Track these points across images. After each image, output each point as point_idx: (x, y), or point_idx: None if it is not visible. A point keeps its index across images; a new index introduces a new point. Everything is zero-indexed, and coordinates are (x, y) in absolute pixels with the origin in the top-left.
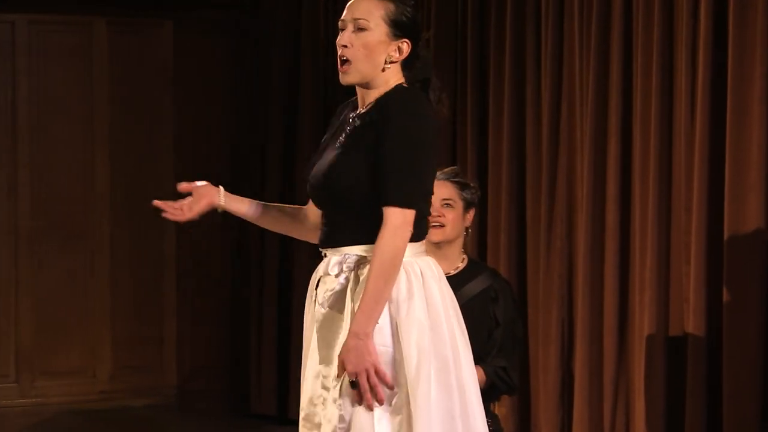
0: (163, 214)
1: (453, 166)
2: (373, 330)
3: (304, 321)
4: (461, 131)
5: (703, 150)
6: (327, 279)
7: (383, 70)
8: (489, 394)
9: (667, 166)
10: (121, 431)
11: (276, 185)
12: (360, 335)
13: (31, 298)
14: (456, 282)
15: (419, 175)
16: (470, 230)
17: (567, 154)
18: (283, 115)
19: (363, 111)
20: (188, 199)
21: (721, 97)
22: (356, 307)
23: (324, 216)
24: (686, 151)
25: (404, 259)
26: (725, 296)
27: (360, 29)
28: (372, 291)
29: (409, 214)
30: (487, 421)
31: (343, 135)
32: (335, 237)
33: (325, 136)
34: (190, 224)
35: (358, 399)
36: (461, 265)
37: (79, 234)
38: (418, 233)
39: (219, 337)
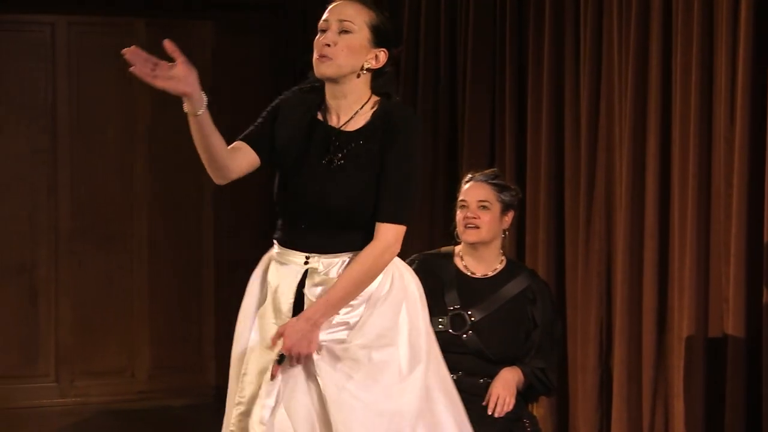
0: (131, 69)
1: (491, 165)
2: (323, 323)
3: (244, 312)
4: (499, 129)
5: (743, 149)
6: (316, 277)
7: (358, 75)
8: (527, 395)
9: (706, 165)
10: (159, 431)
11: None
12: (312, 321)
13: (71, 298)
14: (494, 283)
15: (413, 193)
16: (508, 232)
17: (606, 153)
18: None
19: (362, 126)
20: (168, 67)
21: (761, 95)
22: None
23: (314, 225)
24: (726, 150)
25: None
26: (765, 297)
27: (344, 31)
28: (343, 290)
29: (402, 231)
30: (526, 422)
31: (344, 151)
32: (334, 245)
33: (280, 125)
34: (228, 223)
35: (273, 372)
36: (499, 267)
37: (118, 234)
38: None
39: None
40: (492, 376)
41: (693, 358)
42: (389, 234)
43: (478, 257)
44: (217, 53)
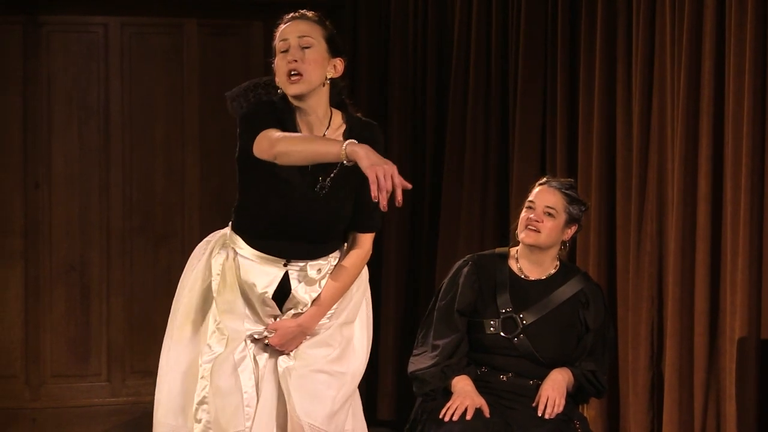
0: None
1: (542, 168)
2: (313, 328)
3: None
4: (550, 132)
5: None
6: (300, 278)
7: (323, 85)
8: (577, 397)
9: (759, 166)
10: None
11: None
12: (304, 327)
13: (123, 298)
14: (547, 286)
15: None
16: (567, 245)
17: (658, 154)
18: (371, 116)
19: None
20: None
21: None
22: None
23: (295, 239)
24: None
25: None
26: None
27: (306, 47)
28: (332, 299)
29: (373, 238)
30: (576, 423)
31: (328, 179)
32: (314, 253)
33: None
34: None
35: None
36: (553, 271)
37: (169, 233)
38: None
39: None
40: (542, 377)
41: (745, 361)
42: (368, 242)
43: (534, 261)
44: (267, 54)
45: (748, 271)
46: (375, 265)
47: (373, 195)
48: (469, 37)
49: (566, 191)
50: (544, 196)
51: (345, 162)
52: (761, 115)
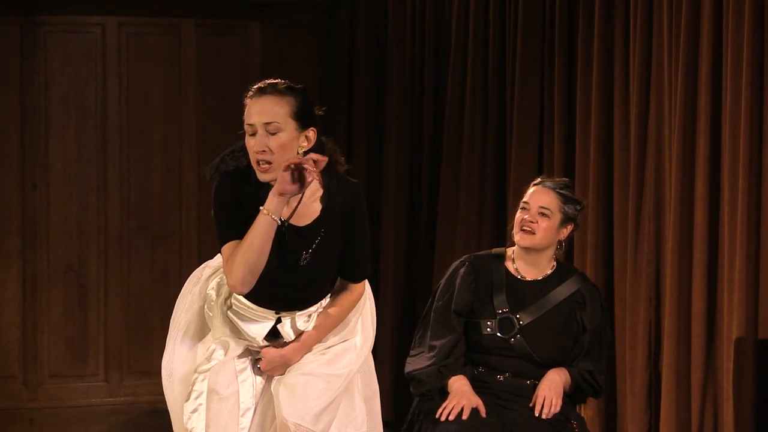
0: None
1: (540, 168)
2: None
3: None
4: (548, 132)
5: None
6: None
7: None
8: (574, 397)
9: (757, 166)
10: None
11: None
12: (287, 358)
13: (120, 298)
14: (543, 287)
15: (369, 251)
16: (563, 245)
17: (655, 154)
18: (369, 116)
19: (318, 218)
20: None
21: None
22: None
23: (284, 300)
24: None
25: None
26: None
27: (272, 133)
28: (318, 336)
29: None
30: (573, 423)
31: (309, 249)
32: (307, 304)
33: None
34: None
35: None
36: (549, 271)
37: (167, 234)
38: None
39: None
40: (539, 377)
41: (742, 361)
42: (359, 288)
43: (530, 261)
44: (265, 54)
45: (745, 271)
46: (372, 265)
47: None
48: (466, 37)
49: (561, 191)
50: (538, 196)
51: (280, 221)
52: (758, 115)
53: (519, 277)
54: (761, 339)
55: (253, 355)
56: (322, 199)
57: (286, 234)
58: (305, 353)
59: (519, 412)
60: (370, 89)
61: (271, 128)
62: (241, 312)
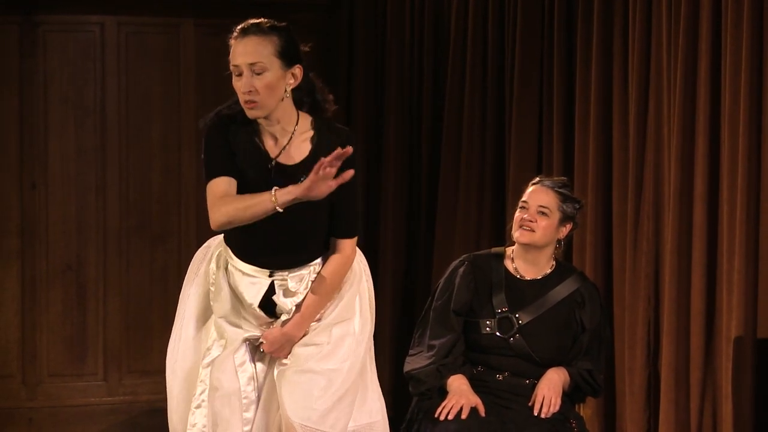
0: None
1: (539, 167)
2: (300, 335)
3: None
4: (547, 131)
5: None
6: (285, 289)
7: (283, 99)
8: (573, 396)
9: (756, 165)
10: None
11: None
12: (290, 335)
13: (119, 297)
14: (543, 286)
15: (360, 206)
16: (563, 243)
17: (654, 153)
18: (367, 116)
19: (306, 158)
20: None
21: None
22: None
23: (276, 249)
24: None
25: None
26: None
27: (258, 73)
28: (314, 306)
29: (356, 240)
30: (572, 423)
31: (303, 177)
32: (297, 261)
33: (217, 155)
34: None
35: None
36: (549, 270)
37: (166, 233)
38: None
39: None
40: (538, 377)
41: (741, 360)
42: (348, 248)
43: (529, 260)
44: None
45: (744, 271)
46: (371, 265)
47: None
48: (465, 37)
49: (559, 190)
50: (537, 195)
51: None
52: (757, 115)
53: (518, 276)
54: (760, 338)
55: (252, 343)
56: (312, 140)
57: (272, 172)
58: (306, 327)
59: (518, 411)
60: (369, 89)
61: (257, 68)
62: (236, 276)
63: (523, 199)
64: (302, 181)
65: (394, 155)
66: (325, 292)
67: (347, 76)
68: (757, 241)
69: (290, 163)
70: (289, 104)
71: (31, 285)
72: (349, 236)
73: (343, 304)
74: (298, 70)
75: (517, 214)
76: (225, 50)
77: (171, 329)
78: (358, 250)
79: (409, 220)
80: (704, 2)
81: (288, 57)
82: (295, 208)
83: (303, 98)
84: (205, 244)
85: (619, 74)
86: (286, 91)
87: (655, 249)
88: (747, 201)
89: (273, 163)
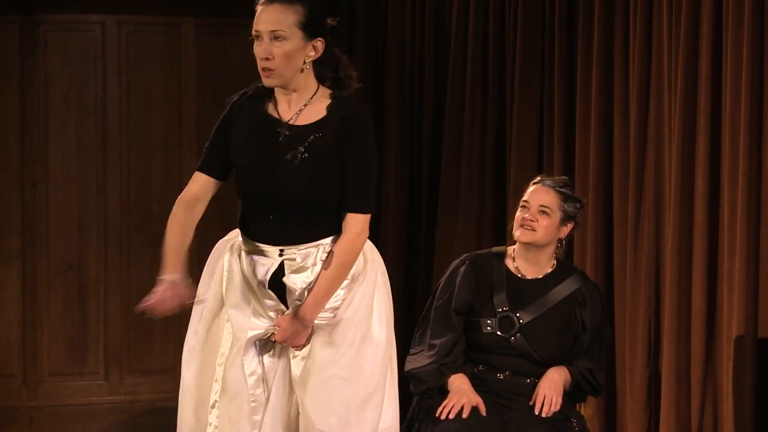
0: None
1: (540, 167)
2: (314, 319)
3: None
4: (548, 130)
5: None
6: (294, 266)
7: (302, 70)
8: (574, 395)
9: (756, 165)
10: None
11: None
12: (304, 321)
13: (120, 297)
14: (543, 286)
15: (373, 184)
16: (564, 242)
17: (655, 152)
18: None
19: (318, 120)
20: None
21: None
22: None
23: (284, 218)
24: None
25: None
26: None
27: (276, 38)
28: (325, 287)
29: (368, 219)
30: (573, 422)
31: (305, 145)
32: (306, 236)
33: (235, 131)
34: None
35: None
36: (549, 270)
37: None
38: None
39: None
40: (539, 376)
41: (742, 359)
42: (358, 224)
43: (530, 260)
44: None
45: (745, 270)
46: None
47: None
48: (466, 35)
49: (560, 189)
50: (538, 195)
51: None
52: (758, 114)
53: (519, 275)
54: (761, 338)
55: (261, 342)
56: (328, 107)
57: (281, 135)
58: (319, 310)
59: (519, 410)
60: (369, 89)
61: (276, 35)
62: (247, 260)
63: (524, 198)
64: (314, 137)
65: (394, 155)
66: (335, 271)
67: None
68: (757, 240)
69: (303, 123)
70: (307, 76)
71: (32, 284)
72: (358, 210)
73: (360, 299)
74: (319, 43)
75: (518, 213)
76: (227, 49)
77: (171, 329)
78: (374, 249)
79: (409, 219)
80: (705, 2)
81: (310, 29)
82: (300, 175)
83: (326, 73)
84: (225, 237)
85: (620, 74)
86: (305, 62)
87: (655, 248)
88: (748, 200)
89: (285, 125)
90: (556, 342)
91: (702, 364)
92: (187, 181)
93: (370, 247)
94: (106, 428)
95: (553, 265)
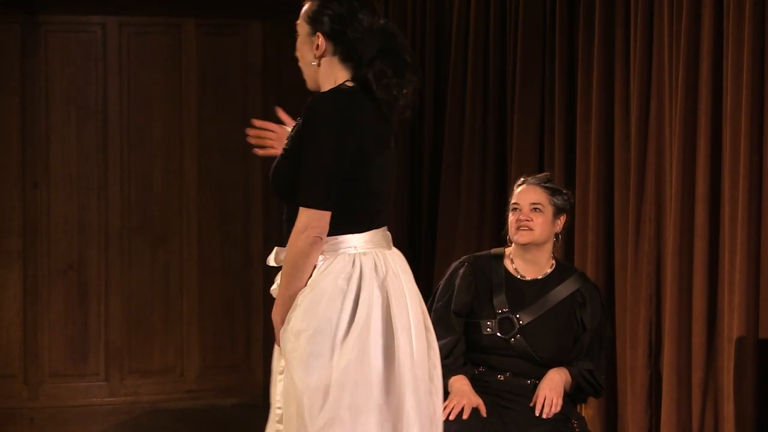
0: (255, 150)
1: (541, 168)
2: (280, 321)
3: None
4: (549, 131)
5: None
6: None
7: (311, 65)
8: (575, 396)
9: (757, 166)
10: (208, 430)
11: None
12: (274, 321)
13: (121, 297)
14: (543, 286)
15: (318, 175)
16: (561, 236)
17: (656, 153)
18: None
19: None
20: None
21: None
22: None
23: (282, 214)
24: None
25: (358, 251)
26: None
27: (296, 34)
28: (282, 285)
29: (311, 214)
30: (574, 423)
31: (288, 139)
32: (287, 236)
33: None
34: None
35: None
36: (549, 270)
37: (167, 233)
38: (359, 224)
39: None
40: (540, 377)
41: (743, 360)
42: (301, 218)
43: (529, 260)
44: (266, 53)
45: (746, 271)
46: None
47: None
48: (467, 37)
49: (546, 185)
50: (526, 194)
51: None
52: (759, 115)
53: (518, 276)
54: (762, 339)
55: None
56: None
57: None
58: (280, 311)
59: (519, 411)
60: None
61: (296, 29)
62: None
63: (513, 201)
64: (287, 140)
65: (394, 155)
66: (284, 270)
67: None
68: (758, 241)
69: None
70: (324, 74)
71: (33, 284)
72: (300, 204)
73: (304, 308)
74: (319, 38)
75: (511, 216)
76: (227, 50)
77: (172, 329)
78: (397, 255)
79: (410, 220)
80: (706, 2)
81: (313, 23)
82: (273, 168)
83: (365, 73)
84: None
85: (621, 75)
86: (314, 58)
87: (656, 249)
88: (748, 201)
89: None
90: (557, 343)
91: (703, 365)
92: (188, 181)
93: (368, 260)
94: (107, 429)
95: (552, 265)
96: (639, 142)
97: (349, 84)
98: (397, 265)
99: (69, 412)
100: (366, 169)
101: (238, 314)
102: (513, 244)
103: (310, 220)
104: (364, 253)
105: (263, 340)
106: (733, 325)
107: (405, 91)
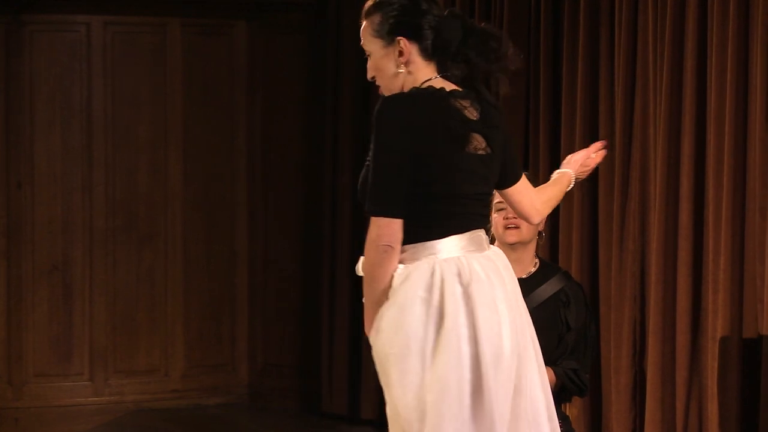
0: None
1: (525, 164)
2: (369, 327)
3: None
4: (533, 128)
5: None
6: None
7: (397, 75)
8: (560, 396)
9: (741, 165)
10: (193, 430)
11: (347, 189)
12: (365, 326)
13: (105, 297)
14: (527, 286)
15: (385, 183)
16: (544, 234)
17: (640, 152)
18: (355, 116)
19: None
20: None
21: None
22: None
23: None
24: (761, 150)
25: (439, 258)
26: None
27: (369, 56)
28: (365, 300)
29: (379, 222)
30: (558, 422)
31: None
32: None
33: None
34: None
35: None
36: (533, 269)
37: (152, 233)
38: (438, 229)
39: (291, 335)
40: None
41: (727, 359)
42: (371, 228)
43: (515, 259)
44: (251, 54)
45: (730, 270)
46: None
47: None
48: None
49: None
50: None
51: None
52: (743, 115)
53: None
54: (746, 338)
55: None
56: None
57: None
58: (367, 322)
59: None
60: (356, 89)
61: (366, 52)
62: None
63: (497, 200)
64: None
65: None
66: (364, 279)
67: (334, 76)
68: (742, 240)
69: None
70: (419, 73)
71: (17, 285)
72: (367, 211)
73: (387, 330)
74: (402, 42)
75: (497, 216)
76: (212, 49)
77: (157, 329)
78: (494, 255)
79: None
80: (690, 2)
81: (387, 33)
82: (358, 185)
83: (444, 69)
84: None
85: (606, 73)
86: (398, 66)
87: (641, 248)
88: (732, 201)
89: None
90: (541, 342)
91: (687, 364)
92: (173, 181)
93: (450, 266)
94: (92, 429)
95: (536, 264)
96: (623, 140)
97: (433, 81)
98: (489, 269)
99: (53, 412)
100: (436, 171)
101: (223, 314)
102: (497, 243)
103: (379, 228)
104: (446, 260)
105: (248, 339)
106: (717, 324)
107: (510, 52)
